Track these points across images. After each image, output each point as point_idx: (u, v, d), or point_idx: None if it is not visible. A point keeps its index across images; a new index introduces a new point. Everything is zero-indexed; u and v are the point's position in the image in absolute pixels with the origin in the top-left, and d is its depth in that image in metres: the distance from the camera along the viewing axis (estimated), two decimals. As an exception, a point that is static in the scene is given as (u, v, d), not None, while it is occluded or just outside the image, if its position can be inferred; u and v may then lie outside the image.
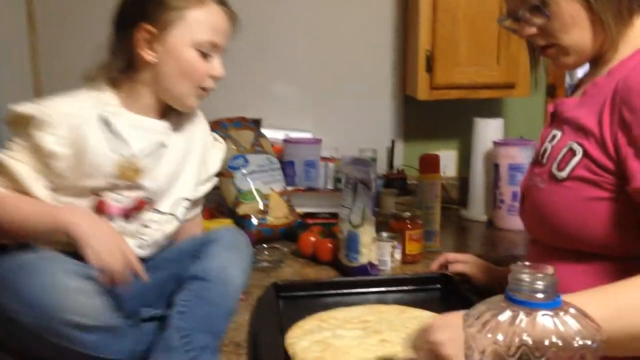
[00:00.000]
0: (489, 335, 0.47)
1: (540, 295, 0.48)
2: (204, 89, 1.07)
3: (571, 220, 0.82)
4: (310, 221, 1.62)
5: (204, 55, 1.03)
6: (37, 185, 0.96)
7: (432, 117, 2.06)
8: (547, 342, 0.46)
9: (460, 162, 2.09)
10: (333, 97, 2.05)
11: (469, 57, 1.76)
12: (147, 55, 1.02)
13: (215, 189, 1.56)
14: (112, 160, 1.00)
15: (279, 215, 1.57)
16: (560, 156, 0.85)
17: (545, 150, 0.91)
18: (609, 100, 0.80)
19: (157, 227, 1.08)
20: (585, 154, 0.81)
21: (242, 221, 1.53)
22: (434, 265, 1.24)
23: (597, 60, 0.90)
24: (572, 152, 0.84)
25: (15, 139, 0.98)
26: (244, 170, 1.57)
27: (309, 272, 1.36)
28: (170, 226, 1.10)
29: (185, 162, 1.12)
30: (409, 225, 1.39)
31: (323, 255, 1.39)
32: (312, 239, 1.42)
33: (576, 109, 0.86)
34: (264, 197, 1.56)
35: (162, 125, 1.08)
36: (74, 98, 1.02)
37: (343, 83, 2.04)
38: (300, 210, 1.64)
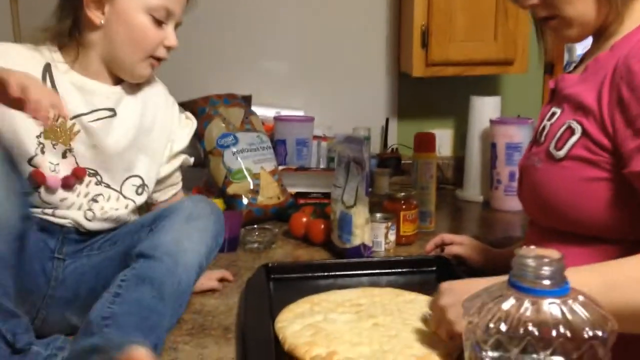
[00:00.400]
0: (491, 325, 0.44)
1: (546, 282, 0.44)
2: (156, 58, 1.01)
3: (568, 201, 0.80)
4: (302, 201, 1.60)
5: (157, 23, 0.98)
6: None
7: (428, 94, 2.02)
8: (554, 333, 0.42)
9: (455, 141, 2.05)
10: (326, 73, 2.00)
11: (466, 33, 1.71)
12: (94, 16, 0.96)
13: (204, 167, 1.54)
14: None
15: (270, 195, 1.54)
16: (558, 135, 0.83)
17: (543, 129, 0.88)
18: (609, 76, 0.77)
19: (107, 204, 1.00)
20: (584, 133, 0.79)
21: (232, 201, 1.50)
22: (429, 246, 1.21)
23: (600, 34, 0.86)
24: (570, 131, 0.81)
25: None
26: (233, 149, 1.54)
27: (300, 253, 1.33)
28: (121, 204, 1.02)
29: (140, 135, 1.04)
30: (403, 206, 1.35)
31: (315, 236, 1.36)
32: (304, 219, 1.39)
33: (576, 86, 0.84)
34: (255, 177, 1.53)
35: (112, 91, 1.02)
36: (28, 46, 0.96)
37: (336, 59, 1.99)
38: (292, 190, 1.62)
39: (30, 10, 1.87)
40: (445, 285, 0.77)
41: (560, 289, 0.45)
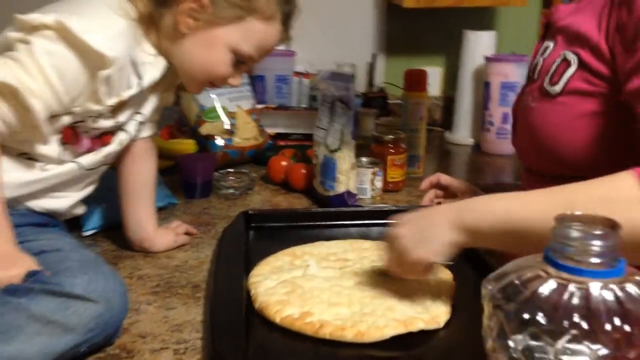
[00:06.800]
0: (525, 316, 0.34)
1: (596, 260, 0.34)
2: (213, 85, 0.96)
3: (566, 142, 0.75)
4: (281, 143, 1.51)
5: (235, 62, 0.91)
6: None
7: (418, 28, 1.89)
8: (608, 327, 0.32)
9: (445, 80, 1.95)
10: (308, 4, 1.83)
11: (461, -41, 1.56)
12: (183, 21, 0.87)
13: (175, 105, 1.41)
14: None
15: (246, 136, 1.44)
16: (552, 69, 0.77)
17: (536, 65, 0.82)
18: (609, 2, 0.71)
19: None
20: (581, 63, 0.73)
21: (205, 142, 1.40)
22: (424, 184, 1.09)
23: None
24: (566, 63, 0.75)
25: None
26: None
27: (279, 200, 1.24)
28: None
29: None
30: (391, 150, 1.25)
31: (295, 182, 1.26)
32: (284, 163, 1.30)
33: (572, 16, 0.78)
34: (230, 116, 1.43)
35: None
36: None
37: (320, -12, 1.83)
38: (271, 131, 1.53)
39: None
40: (401, 217, 0.72)
41: (615, 269, 0.35)
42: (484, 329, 0.38)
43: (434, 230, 0.67)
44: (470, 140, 1.71)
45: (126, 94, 0.85)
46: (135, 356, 0.69)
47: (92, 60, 0.78)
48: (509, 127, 1.57)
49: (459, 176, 1.40)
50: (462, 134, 1.73)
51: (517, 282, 0.35)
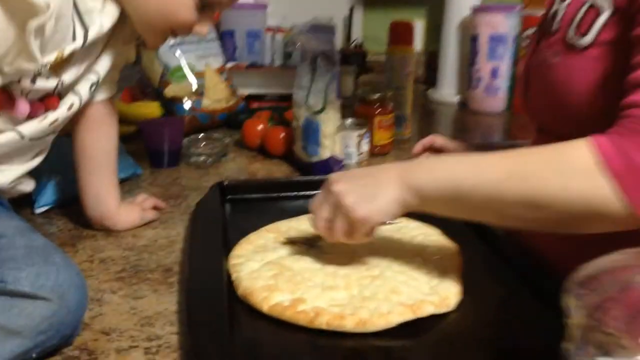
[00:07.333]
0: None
1: None
2: (175, 34, 0.82)
3: (597, 101, 0.66)
4: (256, 105, 1.46)
5: (201, 5, 0.79)
6: None
7: (398, -23, 1.79)
8: None
9: (429, 34, 1.88)
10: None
11: None
12: None
13: (135, 64, 1.30)
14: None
15: (217, 97, 1.36)
16: (578, 17, 0.68)
17: (555, 14, 0.72)
18: None
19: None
20: (616, 10, 0.64)
21: (171, 105, 1.31)
22: (417, 147, 1.01)
23: None
24: (595, 10, 0.66)
25: None
26: (171, 41, 1.29)
27: (256, 168, 1.14)
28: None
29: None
30: (378, 110, 1.17)
31: (273, 147, 1.17)
32: (260, 127, 1.21)
33: None
34: (198, 75, 1.35)
35: None
36: None
37: None
38: (244, 91, 1.47)
39: None
40: (336, 175, 0.66)
41: None
42: (569, 337, 0.29)
43: (380, 186, 0.62)
44: (455, 98, 1.65)
45: (68, 49, 0.72)
46: (99, 358, 0.58)
47: (19, 7, 0.64)
48: (499, 83, 1.52)
49: (446, 136, 1.33)
50: (447, 91, 1.67)
51: (611, 285, 0.26)
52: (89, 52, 0.76)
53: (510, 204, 0.57)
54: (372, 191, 0.62)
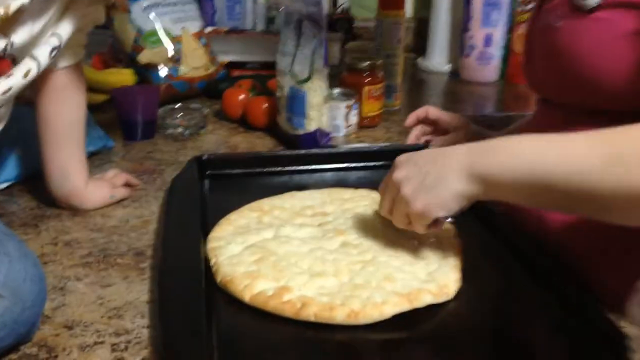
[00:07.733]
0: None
1: None
2: None
3: (605, 68, 0.63)
4: (236, 73, 1.40)
5: None
6: None
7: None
8: None
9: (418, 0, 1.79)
10: None
11: None
12: None
13: (106, 27, 1.21)
14: None
15: (195, 64, 1.31)
16: None
17: None
18: None
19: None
20: None
21: (145, 72, 1.25)
22: (410, 119, 0.96)
23: None
24: None
25: None
26: (144, 3, 1.25)
27: (238, 140, 1.09)
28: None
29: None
30: (367, 79, 1.11)
31: (256, 118, 1.11)
32: (241, 97, 1.15)
33: None
34: (175, 40, 1.28)
35: None
36: None
37: None
38: (224, 58, 1.40)
39: None
40: (403, 157, 0.62)
41: None
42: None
43: (442, 176, 0.57)
44: (446, 67, 1.60)
45: (14, 4, 0.63)
46: (60, 356, 0.53)
47: None
48: (492, 51, 1.46)
49: (438, 107, 1.28)
50: (438, 60, 1.61)
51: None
52: (42, 9, 0.67)
53: (608, 196, 0.51)
54: (433, 182, 0.58)
